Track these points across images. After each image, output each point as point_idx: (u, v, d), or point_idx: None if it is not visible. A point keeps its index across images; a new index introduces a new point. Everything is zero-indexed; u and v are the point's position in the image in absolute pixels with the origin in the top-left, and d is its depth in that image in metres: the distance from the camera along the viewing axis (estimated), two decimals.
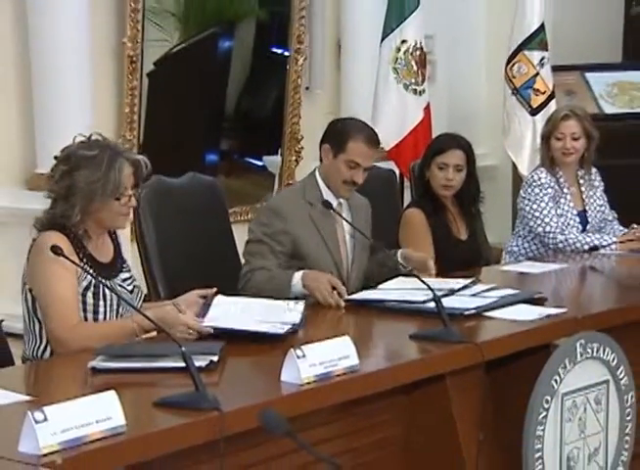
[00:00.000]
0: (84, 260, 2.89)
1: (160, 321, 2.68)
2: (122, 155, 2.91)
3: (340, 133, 3.62)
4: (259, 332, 2.82)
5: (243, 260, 3.65)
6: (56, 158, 2.95)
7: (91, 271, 2.87)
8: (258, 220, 3.61)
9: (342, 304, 3.29)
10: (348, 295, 3.35)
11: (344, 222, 3.63)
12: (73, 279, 2.86)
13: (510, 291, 3.38)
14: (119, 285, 2.97)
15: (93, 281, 2.89)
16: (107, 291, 2.90)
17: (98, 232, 2.96)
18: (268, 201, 3.75)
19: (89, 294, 2.89)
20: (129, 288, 3.01)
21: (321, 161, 3.68)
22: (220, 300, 3.05)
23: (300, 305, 3.08)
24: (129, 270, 3.07)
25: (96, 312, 2.91)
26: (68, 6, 4.51)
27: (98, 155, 2.87)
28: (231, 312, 2.99)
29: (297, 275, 3.40)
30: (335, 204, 3.61)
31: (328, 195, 3.61)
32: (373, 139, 3.63)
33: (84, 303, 2.89)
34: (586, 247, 4.28)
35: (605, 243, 4.30)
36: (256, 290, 3.39)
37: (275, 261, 3.49)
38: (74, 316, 2.86)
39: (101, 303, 2.91)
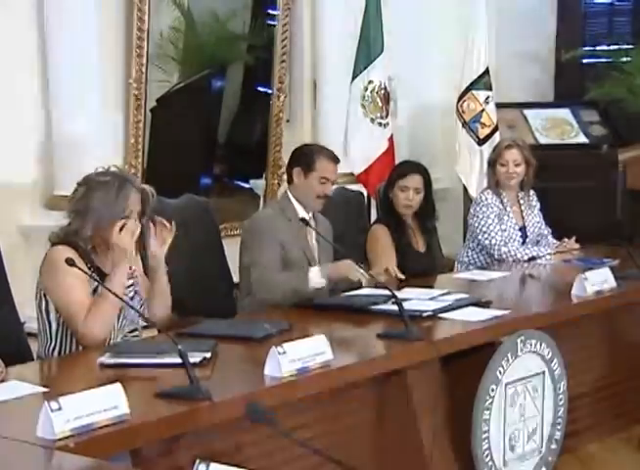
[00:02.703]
0: (91, 270, 2.86)
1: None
2: (131, 182, 2.92)
3: (307, 156, 3.61)
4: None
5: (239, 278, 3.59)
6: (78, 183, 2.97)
7: (98, 279, 2.82)
8: (247, 244, 3.50)
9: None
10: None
11: (313, 234, 3.60)
12: (86, 284, 2.83)
13: (461, 295, 3.37)
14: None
15: (98, 287, 2.84)
16: None
17: (103, 248, 2.93)
18: (249, 224, 3.60)
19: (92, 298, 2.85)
20: (130, 295, 2.96)
21: (290, 183, 3.63)
22: None
23: None
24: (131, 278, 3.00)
25: None
26: (83, 53, 4.51)
27: (110, 181, 2.88)
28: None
29: (314, 271, 3.39)
30: (307, 217, 3.58)
31: (302, 211, 3.59)
32: (334, 156, 3.66)
33: None
34: (526, 257, 4.28)
35: (541, 254, 4.30)
36: (280, 294, 3.35)
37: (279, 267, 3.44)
38: None
39: None
